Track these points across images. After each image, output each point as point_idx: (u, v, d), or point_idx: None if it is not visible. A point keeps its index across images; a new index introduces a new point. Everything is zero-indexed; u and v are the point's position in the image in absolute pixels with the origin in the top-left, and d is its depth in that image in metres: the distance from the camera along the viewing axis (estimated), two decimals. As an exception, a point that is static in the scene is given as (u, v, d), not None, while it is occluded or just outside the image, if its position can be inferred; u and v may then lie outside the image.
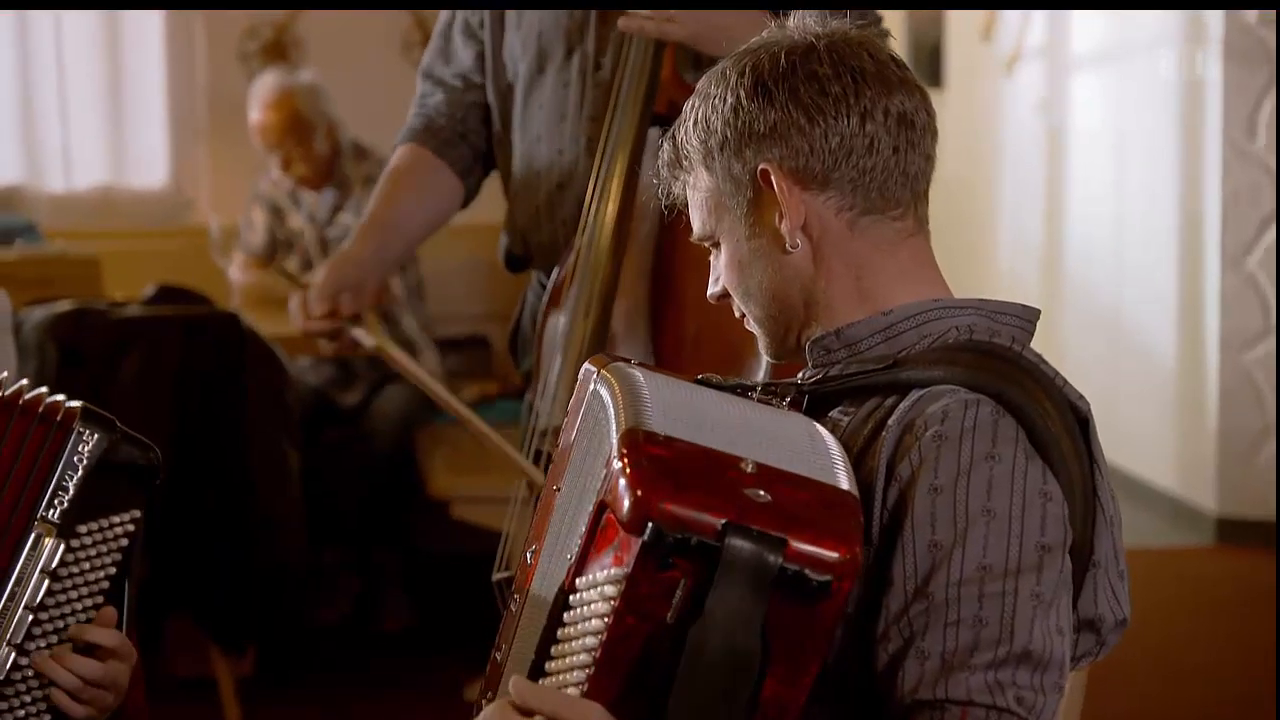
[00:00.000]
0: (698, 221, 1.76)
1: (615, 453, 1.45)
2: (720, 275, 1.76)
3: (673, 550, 1.40)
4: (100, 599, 1.90)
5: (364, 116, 5.79)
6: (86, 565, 1.90)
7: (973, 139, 7.80)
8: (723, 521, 1.40)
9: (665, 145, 1.78)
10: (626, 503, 1.40)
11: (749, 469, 1.45)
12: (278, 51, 6.48)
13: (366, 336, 2.84)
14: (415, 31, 6.49)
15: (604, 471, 1.48)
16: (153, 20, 6.44)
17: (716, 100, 1.70)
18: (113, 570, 1.90)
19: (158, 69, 6.47)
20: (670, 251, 2.69)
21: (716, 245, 1.76)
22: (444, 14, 2.98)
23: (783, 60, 1.68)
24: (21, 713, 1.89)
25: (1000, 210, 7.78)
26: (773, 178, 1.67)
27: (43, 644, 1.88)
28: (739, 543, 1.40)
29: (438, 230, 3.02)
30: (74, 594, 1.90)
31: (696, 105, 1.73)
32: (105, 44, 6.41)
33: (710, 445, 1.48)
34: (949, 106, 7.87)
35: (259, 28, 6.48)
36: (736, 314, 1.78)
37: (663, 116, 2.67)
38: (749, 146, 1.68)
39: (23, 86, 6.33)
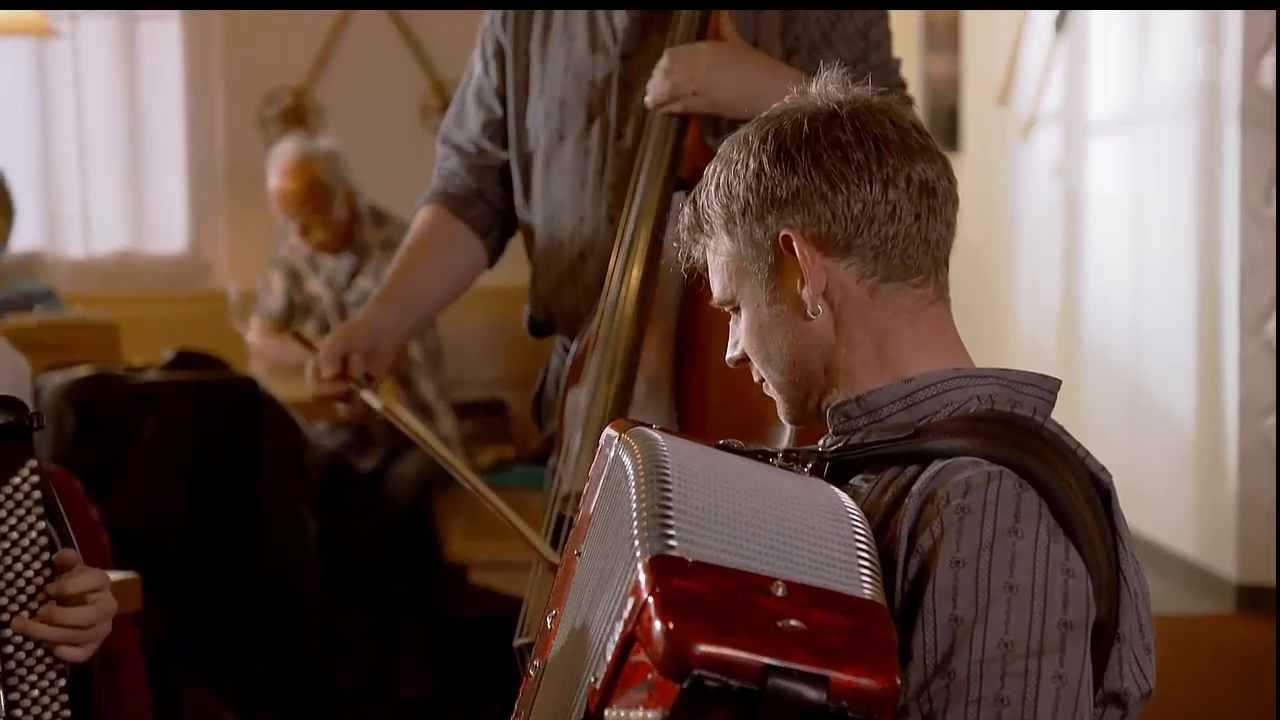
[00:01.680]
0: (718, 286, 1.76)
1: (643, 584, 1.42)
2: (740, 340, 1.76)
3: (714, 698, 1.38)
4: (46, 552, 1.94)
5: (383, 182, 5.82)
6: (11, 527, 1.93)
7: (990, 203, 7.81)
8: (764, 663, 1.38)
9: (686, 209, 1.78)
10: (662, 647, 1.38)
11: (779, 591, 1.43)
12: (297, 117, 6.51)
13: (375, 399, 2.82)
14: (434, 97, 6.52)
15: (629, 595, 1.45)
16: (173, 85, 6.49)
17: (739, 165, 1.71)
18: (42, 523, 1.94)
19: (177, 134, 6.51)
20: (693, 317, 2.69)
21: (736, 310, 1.76)
22: (462, 79, 3.00)
23: (805, 126, 1.69)
24: (34, 677, 1.93)
25: (1017, 275, 7.78)
26: (794, 244, 1.68)
27: (17, 610, 1.92)
28: (781, 683, 1.38)
29: (462, 292, 3.02)
30: (16, 556, 1.93)
31: (718, 170, 1.74)
32: (125, 109, 6.45)
33: (737, 555, 1.45)
34: (966, 170, 7.88)
35: (278, 93, 6.52)
36: (755, 379, 1.78)
37: (686, 182, 2.68)
38: (771, 212, 1.69)
39: (43, 152, 6.37)
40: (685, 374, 2.70)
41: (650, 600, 1.40)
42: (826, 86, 1.73)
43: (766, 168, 1.68)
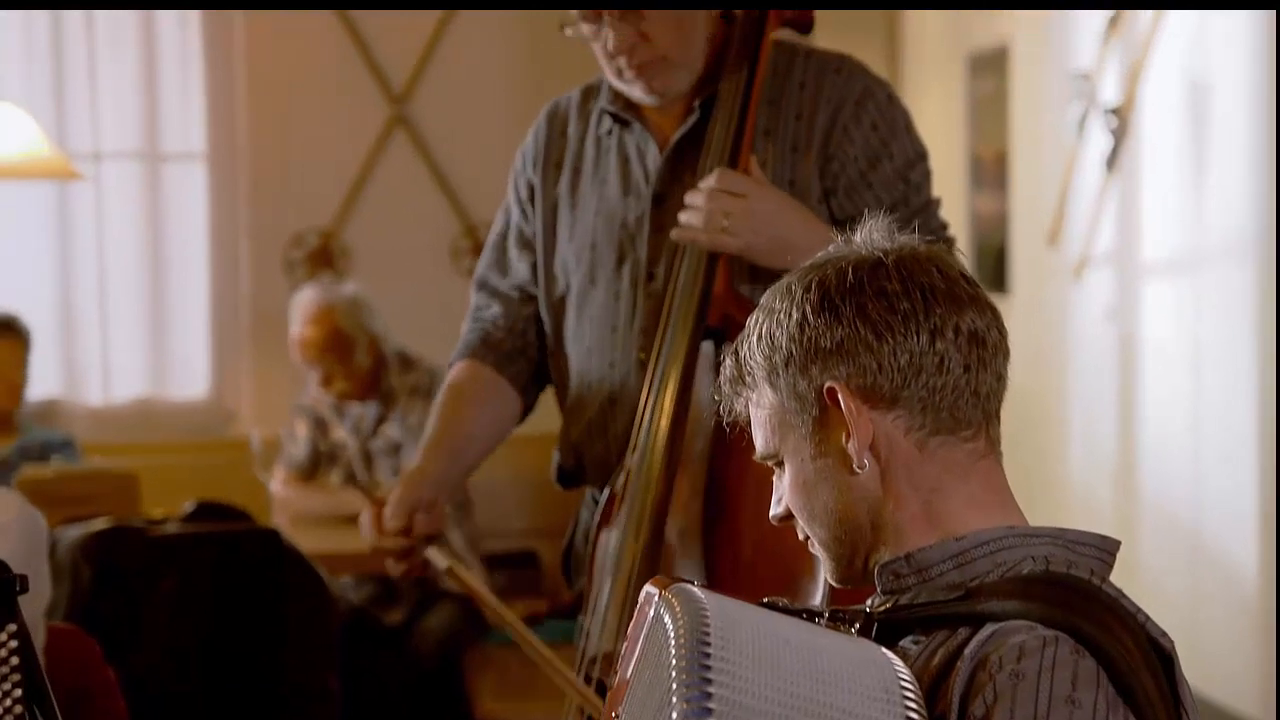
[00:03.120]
0: (760, 440, 1.75)
1: None
2: (784, 496, 1.74)
3: None
4: (20, 707, 1.92)
5: (413, 325, 5.85)
6: None
7: (1040, 347, 7.81)
8: None
9: (727, 361, 1.77)
10: None
11: None
12: (324, 259, 6.56)
13: (440, 558, 2.85)
14: (465, 239, 6.57)
15: None
16: (196, 227, 6.55)
17: (781, 315, 1.71)
18: (18, 691, 1.93)
19: (200, 278, 6.57)
20: (725, 470, 2.68)
21: (780, 465, 1.75)
22: (497, 223, 3.02)
23: (850, 276, 1.69)
24: None
25: (1070, 422, 7.76)
26: (839, 396, 1.67)
27: None
28: None
29: (497, 447, 3.03)
30: None
31: (761, 320, 1.74)
32: (147, 252, 6.51)
33: None
34: (1015, 313, 7.88)
35: (305, 236, 6.58)
36: (800, 536, 1.76)
37: (716, 330, 2.68)
38: (815, 363, 1.68)
39: (63, 296, 6.42)
40: (716, 527, 2.68)
41: None
42: (871, 234, 1.73)
43: (810, 317, 1.68)
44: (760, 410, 1.75)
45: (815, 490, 1.71)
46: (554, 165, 2.92)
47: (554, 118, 2.95)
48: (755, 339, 1.74)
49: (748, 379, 1.75)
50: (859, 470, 1.68)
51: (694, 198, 2.69)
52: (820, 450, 1.70)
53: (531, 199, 2.94)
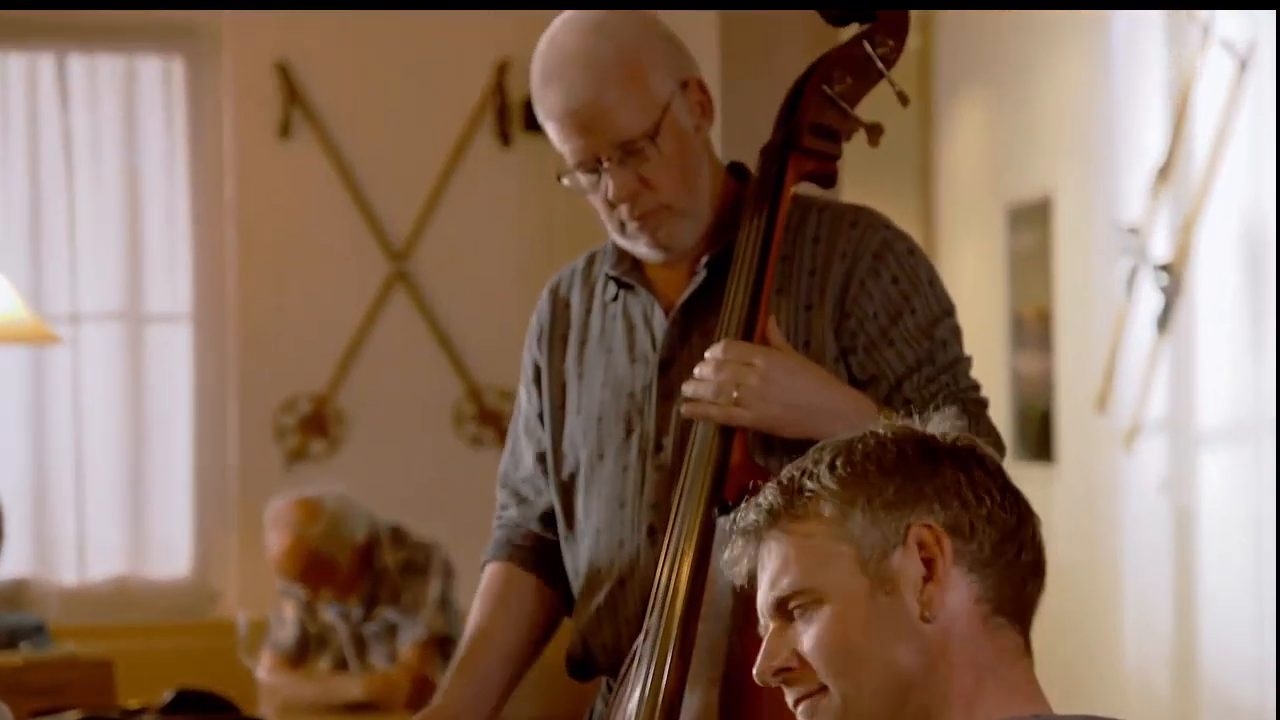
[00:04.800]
0: (794, 574, 1.76)
1: None
2: (803, 645, 1.75)
3: None
4: None
5: (412, 495, 5.86)
6: None
7: (1090, 520, 7.78)
8: None
9: (770, 491, 1.79)
10: None
11: None
12: (317, 426, 6.57)
13: None
14: (468, 403, 6.59)
15: None
16: (180, 393, 6.57)
17: (871, 447, 1.76)
18: None
19: (184, 447, 6.58)
20: (742, 655, 2.66)
21: (800, 607, 1.75)
22: (515, 410, 3.05)
23: (951, 439, 1.77)
24: None
25: (1123, 603, 7.71)
26: (931, 539, 1.71)
27: None
28: None
29: (544, 647, 3.02)
30: None
31: (836, 449, 1.77)
32: (127, 420, 6.53)
33: None
34: (1062, 484, 7.87)
35: (296, 401, 6.59)
36: (793, 698, 1.75)
37: (732, 505, 2.63)
38: (909, 501, 1.73)
39: (35, 469, 6.43)
40: (733, 715, 2.67)
41: None
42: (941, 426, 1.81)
43: (911, 457, 1.75)
44: (808, 540, 1.76)
45: (868, 633, 1.72)
46: (559, 339, 2.94)
47: (556, 292, 2.97)
48: (829, 465, 1.77)
49: (797, 507, 1.76)
50: (927, 619, 1.70)
51: (703, 368, 2.69)
52: (886, 588, 1.72)
53: (538, 379, 2.96)
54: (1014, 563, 1.73)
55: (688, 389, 2.70)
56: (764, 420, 2.68)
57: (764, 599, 1.80)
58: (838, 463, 1.76)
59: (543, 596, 2.97)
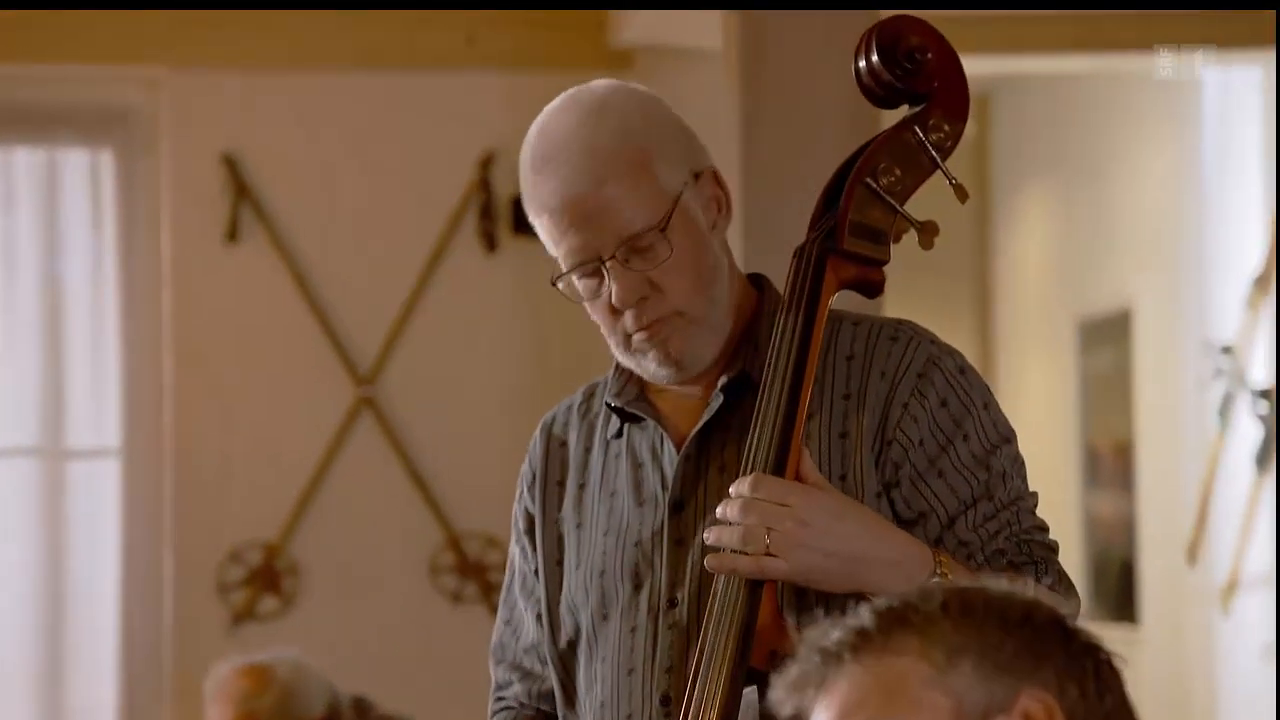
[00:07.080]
0: (873, 714, 1.74)
1: None
2: None
3: None
4: None
5: (381, 660, 5.81)
6: None
7: (1180, 693, 7.73)
8: None
9: (864, 613, 1.78)
10: None
11: None
12: (268, 580, 6.55)
13: None
14: (447, 553, 6.57)
15: None
16: (107, 541, 6.54)
17: (985, 597, 1.77)
18: None
19: (110, 604, 6.55)
20: None
21: None
22: (508, 571, 3.01)
23: (1058, 615, 1.78)
24: None
25: (1221, 787, 7.67)
26: (1038, 714, 1.71)
27: None
28: None
29: None
30: None
31: (945, 590, 1.78)
32: (43, 574, 6.50)
33: None
34: (1147, 648, 7.82)
35: (243, 551, 6.57)
36: None
37: (761, 673, 2.63)
38: (1026, 669, 1.74)
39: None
40: None
41: None
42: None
43: (1040, 623, 1.76)
44: (899, 680, 1.74)
45: None
46: (555, 485, 2.92)
47: (550, 431, 2.95)
48: (941, 605, 1.76)
49: (896, 640, 1.75)
50: None
51: (728, 510, 2.65)
52: None
53: (531, 531, 2.94)
54: None
55: (710, 536, 2.66)
56: (802, 572, 2.63)
57: None
58: (951, 604, 1.75)
59: None
